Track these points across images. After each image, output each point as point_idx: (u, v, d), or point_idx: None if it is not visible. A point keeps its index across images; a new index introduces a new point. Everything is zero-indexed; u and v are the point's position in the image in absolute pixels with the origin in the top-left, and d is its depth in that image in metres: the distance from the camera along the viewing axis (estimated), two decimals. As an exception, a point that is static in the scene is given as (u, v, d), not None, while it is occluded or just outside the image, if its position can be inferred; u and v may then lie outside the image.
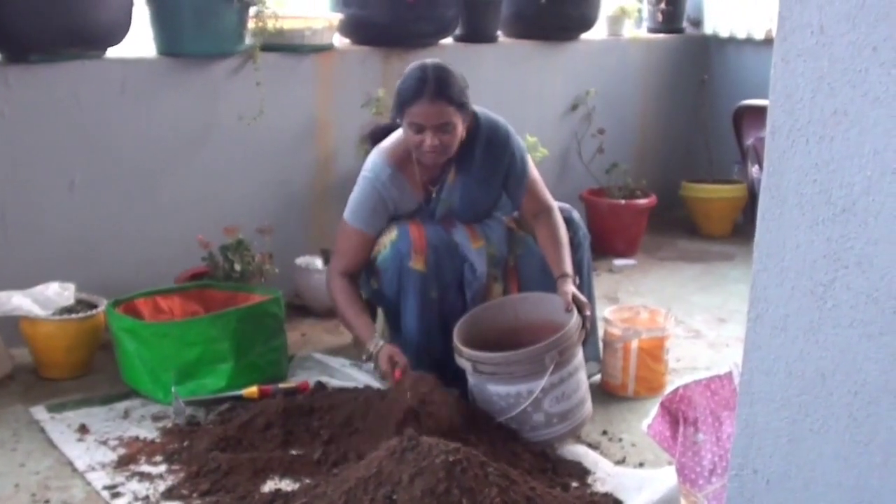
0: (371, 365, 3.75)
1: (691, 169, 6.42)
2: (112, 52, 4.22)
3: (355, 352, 4.03)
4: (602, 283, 4.99)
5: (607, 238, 5.53)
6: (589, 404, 3.36)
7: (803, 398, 1.30)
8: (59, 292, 3.79)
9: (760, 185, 1.36)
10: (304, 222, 4.77)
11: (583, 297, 3.42)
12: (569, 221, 3.63)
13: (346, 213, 3.53)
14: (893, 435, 1.24)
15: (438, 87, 3.30)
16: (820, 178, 1.26)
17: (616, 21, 6.15)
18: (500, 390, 3.21)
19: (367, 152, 3.67)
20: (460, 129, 3.38)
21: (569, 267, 3.47)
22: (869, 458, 1.26)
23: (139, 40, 4.37)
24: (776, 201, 1.32)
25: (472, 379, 3.29)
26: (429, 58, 3.52)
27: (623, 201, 5.66)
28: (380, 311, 3.79)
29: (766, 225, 1.33)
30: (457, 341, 3.30)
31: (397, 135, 3.52)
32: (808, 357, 1.29)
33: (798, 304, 1.30)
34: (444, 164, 3.49)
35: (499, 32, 5.58)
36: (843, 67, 1.24)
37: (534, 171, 3.62)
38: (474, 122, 3.50)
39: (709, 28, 6.60)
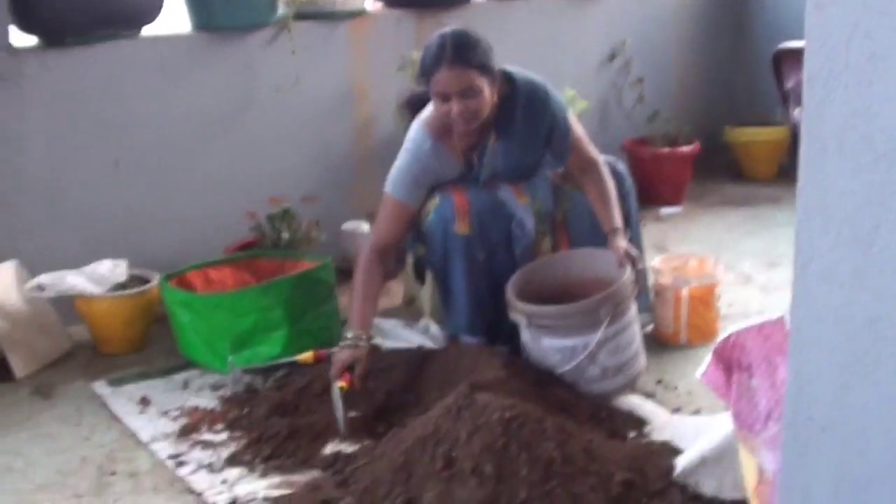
0: (424, 324, 3.79)
1: (733, 113, 6.36)
2: (147, 31, 4.27)
3: (406, 312, 4.07)
4: (649, 232, 4.98)
5: (652, 187, 5.50)
6: (643, 357, 3.37)
7: (853, 344, 1.31)
8: (111, 269, 3.86)
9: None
10: (348, 188, 4.80)
11: (635, 251, 3.42)
12: (614, 173, 3.61)
13: (388, 185, 3.51)
14: (944, 377, 1.24)
15: (456, 52, 3.24)
16: (859, 123, 1.26)
17: (650, -33, 6.09)
18: (555, 344, 3.23)
19: (406, 120, 3.67)
20: (487, 93, 3.31)
21: (619, 221, 3.47)
22: (921, 401, 1.27)
23: (173, 17, 4.41)
24: (816, 150, 1.32)
25: (526, 333, 3.31)
26: (459, 17, 3.50)
27: (666, 149, 5.63)
28: (428, 277, 3.81)
29: (807, 174, 1.33)
30: (511, 296, 3.32)
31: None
32: (855, 303, 1.30)
33: (844, 251, 1.30)
34: (484, 128, 3.44)
35: (532, -14, 5.54)
36: (880, 10, 1.23)
37: (577, 127, 3.59)
38: (511, 84, 3.45)
39: (746, -33, 6.52)
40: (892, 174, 1.24)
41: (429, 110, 3.47)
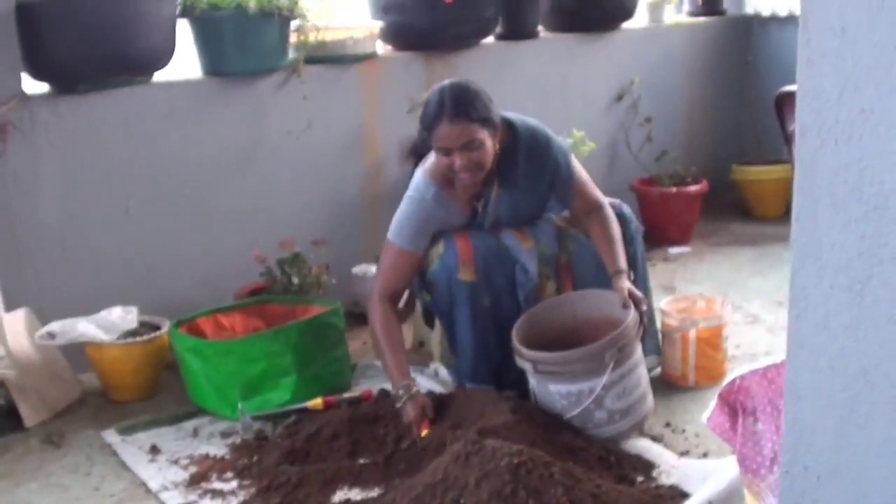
0: (434, 368, 3.80)
1: (741, 152, 6.39)
2: (158, 77, 4.30)
3: (416, 357, 4.07)
4: (658, 272, 4.99)
5: (660, 226, 5.52)
6: (650, 398, 3.37)
7: (847, 394, 1.32)
8: (122, 316, 3.87)
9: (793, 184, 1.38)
10: (358, 231, 4.82)
11: (639, 293, 3.42)
12: (620, 216, 3.62)
13: (391, 233, 3.51)
14: (938, 425, 1.25)
15: (456, 106, 3.27)
16: (850, 176, 1.28)
17: (656, 7, 6.13)
18: (561, 389, 3.24)
19: (410, 166, 3.69)
20: (489, 144, 3.33)
21: (623, 262, 3.48)
22: (916, 450, 1.28)
23: (184, 63, 4.45)
24: (810, 201, 1.34)
25: (532, 379, 3.32)
26: (468, 58, 3.51)
27: (674, 189, 5.65)
28: (437, 323, 3.82)
29: (801, 225, 1.35)
30: (516, 342, 3.33)
31: None
32: (849, 353, 1.31)
33: (837, 301, 1.32)
34: (487, 177, 3.46)
35: (539, 27, 5.58)
36: (868, 66, 1.26)
37: (580, 172, 3.61)
38: (512, 133, 3.47)
39: (750, 8, 6.56)
40: (883, 226, 1.25)
41: (432, 158, 3.49)
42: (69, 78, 4.04)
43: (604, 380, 3.16)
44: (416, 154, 3.68)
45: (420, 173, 3.52)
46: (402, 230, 3.49)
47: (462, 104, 3.28)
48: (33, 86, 4.08)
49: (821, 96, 1.31)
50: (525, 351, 3.27)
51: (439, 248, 3.48)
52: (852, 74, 1.28)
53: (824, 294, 1.33)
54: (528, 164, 3.49)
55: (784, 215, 5.96)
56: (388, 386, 3.68)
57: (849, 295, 1.30)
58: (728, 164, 6.18)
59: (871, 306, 1.28)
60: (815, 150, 1.32)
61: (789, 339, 1.37)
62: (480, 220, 3.54)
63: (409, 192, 3.52)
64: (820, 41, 1.30)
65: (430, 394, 3.54)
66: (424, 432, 3.21)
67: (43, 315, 3.88)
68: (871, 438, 1.30)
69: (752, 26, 6.56)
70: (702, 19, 6.44)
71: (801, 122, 1.33)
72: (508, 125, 3.47)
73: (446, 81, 3.40)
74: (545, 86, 5.39)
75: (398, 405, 3.34)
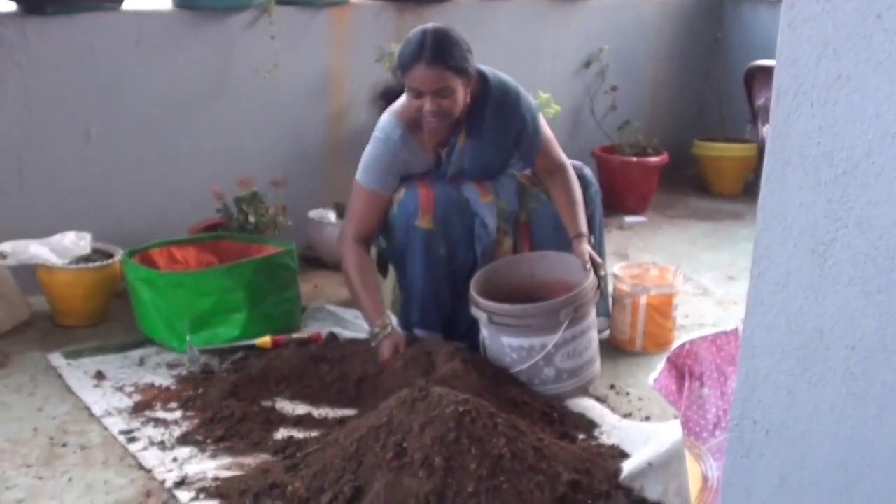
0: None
1: (703, 127, 6.43)
2: (128, 4, 4.25)
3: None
4: (612, 239, 5.03)
5: (618, 195, 5.56)
6: (598, 363, 3.40)
7: (802, 352, 1.35)
8: (75, 242, 3.85)
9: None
10: (318, 175, 4.81)
11: (598, 258, 3.46)
12: (581, 178, 3.65)
13: (359, 175, 3.52)
14: (888, 389, 1.28)
15: (435, 51, 3.26)
16: (823, 140, 1.30)
17: (631, -22, 6.14)
18: (513, 342, 3.26)
19: (380, 110, 3.68)
20: (461, 94, 3.34)
21: (584, 226, 3.50)
22: (864, 411, 1.30)
23: (155, -8, 4.40)
24: (780, 162, 1.35)
25: (485, 330, 3.34)
26: (441, 13, 3.52)
27: (634, 158, 5.68)
28: (391, 270, 3.83)
29: (770, 185, 1.37)
30: (473, 292, 3.35)
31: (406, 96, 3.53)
32: (807, 313, 1.34)
33: (799, 262, 1.34)
34: (454, 126, 3.47)
35: (514, -12, 5.58)
36: (848, 33, 1.27)
37: (546, 131, 3.63)
38: (484, 84, 3.48)
39: (724, -14, 6.59)
40: (850, 191, 1.28)
41: (401, 101, 3.49)
42: (38, -1, 3.98)
43: (556, 337, 3.19)
44: (387, 98, 3.68)
45: (387, 115, 3.52)
46: (369, 171, 3.50)
47: (441, 50, 3.28)
48: (1, 4, 4.02)
49: (799, 60, 1.32)
50: (482, 301, 3.29)
51: (400, 193, 3.48)
52: (832, 40, 1.29)
53: (787, 254, 1.35)
54: (496, 117, 3.50)
55: (742, 193, 6.03)
56: (336, 330, 3.71)
57: (811, 256, 1.32)
58: (690, 138, 6.23)
59: (832, 269, 1.30)
60: (790, 112, 1.33)
61: (749, 297, 1.40)
62: (444, 169, 3.54)
63: (376, 133, 3.52)
64: (803, 5, 1.31)
65: (355, 342, 3.57)
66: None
67: (-5, 235, 3.85)
68: (821, 397, 1.33)
69: (725, 5, 6.60)
70: (675, -7, 6.46)
71: (779, 84, 1.34)
72: (481, 76, 3.48)
73: (430, 24, 3.39)
74: (515, 47, 5.38)
75: (373, 343, 3.40)
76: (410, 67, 3.29)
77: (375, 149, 3.50)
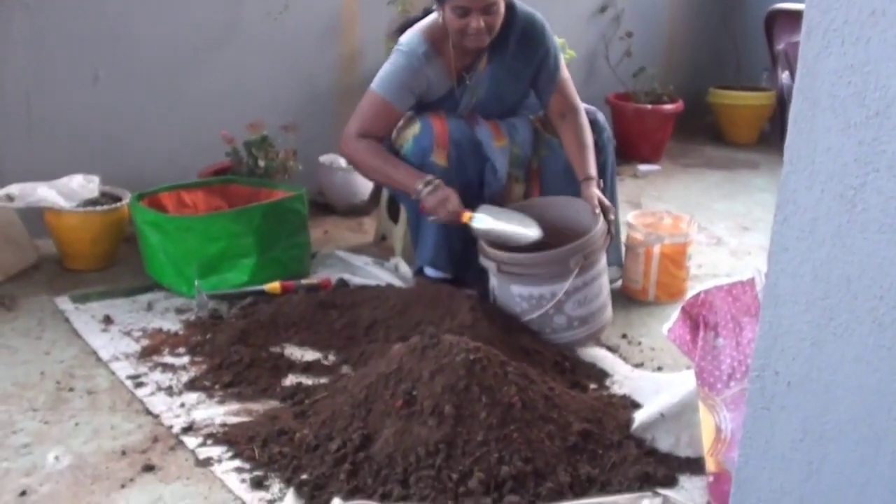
0: (394, 263, 3.78)
1: (719, 75, 6.36)
2: (138, -57, 4.18)
3: (377, 250, 4.05)
4: (626, 187, 4.98)
5: (632, 143, 5.50)
6: (609, 310, 3.37)
7: (828, 301, 1.30)
8: (83, 184, 3.81)
9: (791, 91, 1.34)
10: (329, 120, 4.76)
11: (607, 202, 3.41)
12: (594, 123, 3.60)
13: (375, 84, 3.46)
14: (918, 340, 1.24)
15: None
16: (854, 80, 1.25)
17: (648, -79, 6.04)
18: (523, 291, 3.22)
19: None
20: (503, 10, 3.34)
21: (594, 170, 3.45)
22: (891, 363, 1.26)
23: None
24: (809, 103, 1.30)
25: (495, 279, 3.30)
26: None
27: (649, 106, 5.62)
28: (402, 216, 3.78)
29: (797, 127, 1.32)
30: (482, 242, 3.30)
31: (432, 18, 3.48)
32: (834, 261, 1.29)
33: (827, 207, 1.29)
34: (479, 50, 3.45)
35: (529, -69, 5.49)
36: (883, -33, 1.22)
37: (565, 71, 3.59)
38: (511, 12, 3.45)
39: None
40: (883, 133, 1.22)
41: (426, 21, 3.46)
42: (45, -64, 3.92)
43: (567, 285, 3.15)
44: (403, 34, 3.61)
45: (412, 32, 3.48)
46: (389, 82, 3.45)
47: None
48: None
49: (830, -6, 1.27)
50: (490, 250, 3.25)
51: (415, 128, 3.44)
52: (866, -27, 1.23)
53: (814, 199, 1.30)
54: (518, 46, 3.48)
55: (757, 143, 5.98)
56: (346, 276, 3.68)
57: (840, 202, 1.27)
58: (705, 86, 6.16)
59: (861, 214, 1.25)
60: (820, 50, 1.28)
61: (772, 244, 1.34)
62: (461, 95, 3.51)
63: (399, 47, 3.48)
64: (836, -62, 1.25)
65: (392, 286, 3.54)
66: (468, 215, 3.28)
67: (2, 179, 3.81)
68: (846, 348, 1.29)
69: (744, -52, 6.49)
70: (693, -62, 6.36)
71: (809, 20, 1.29)
72: (508, 5, 3.44)
73: None
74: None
75: (425, 195, 3.34)
76: None
77: (397, 62, 3.45)
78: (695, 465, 2.51)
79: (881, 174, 1.22)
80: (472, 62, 3.49)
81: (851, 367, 1.29)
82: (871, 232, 1.24)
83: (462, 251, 3.46)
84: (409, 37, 3.47)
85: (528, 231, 3.26)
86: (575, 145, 3.49)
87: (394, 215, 3.89)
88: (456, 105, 3.50)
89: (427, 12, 3.52)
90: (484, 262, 3.29)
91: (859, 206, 1.25)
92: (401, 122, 3.51)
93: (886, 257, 1.24)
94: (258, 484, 2.46)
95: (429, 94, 3.49)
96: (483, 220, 3.27)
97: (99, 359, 3.14)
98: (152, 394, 2.92)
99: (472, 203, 3.39)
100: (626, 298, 3.72)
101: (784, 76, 5.63)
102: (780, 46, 5.65)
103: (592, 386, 3.01)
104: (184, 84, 4.36)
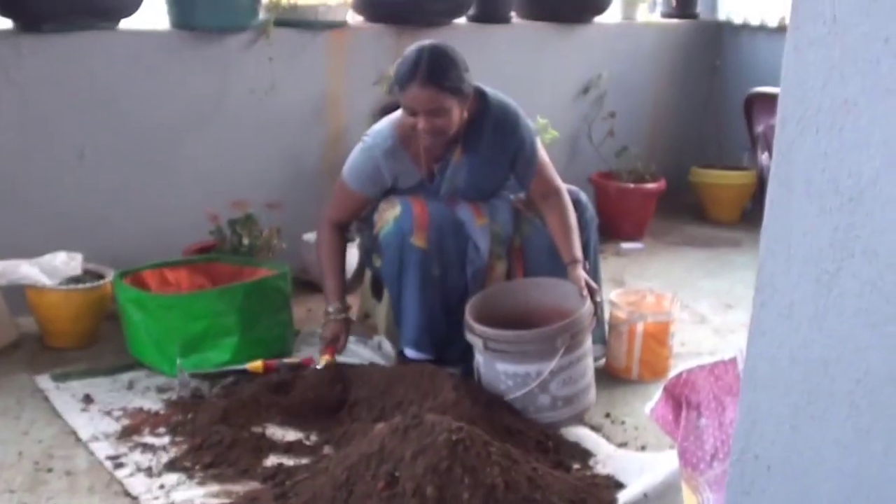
0: (377, 341, 3.77)
1: (701, 154, 6.41)
2: (125, 24, 4.22)
3: (360, 328, 4.04)
4: (609, 266, 4.99)
5: (615, 221, 5.52)
6: (594, 391, 3.36)
7: (806, 385, 1.31)
8: (66, 262, 3.81)
9: (769, 172, 1.36)
10: (313, 198, 4.76)
11: (594, 284, 3.42)
12: (576, 203, 3.62)
13: (345, 172, 3.58)
14: (895, 423, 1.24)
15: (430, 72, 3.26)
16: (828, 166, 1.27)
17: (630, 5, 6.12)
18: (508, 369, 3.22)
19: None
20: (456, 113, 3.34)
21: (579, 252, 3.47)
22: (870, 447, 1.26)
23: (152, 12, 4.37)
24: (784, 189, 1.32)
25: (480, 356, 3.30)
26: (439, 37, 3.51)
27: (632, 185, 5.65)
28: (385, 294, 3.79)
29: (773, 212, 1.33)
30: (469, 317, 3.31)
31: None
32: (812, 344, 1.30)
33: (803, 291, 1.30)
34: (450, 142, 3.47)
35: (512, 13, 5.56)
36: (855, 58, 1.24)
37: (543, 154, 3.60)
38: (483, 103, 3.47)
39: (722, 14, 6.57)
40: (857, 219, 1.24)
41: (398, 114, 3.48)
42: (34, 16, 3.96)
43: (552, 364, 3.15)
44: (386, 115, 3.65)
45: (385, 122, 3.54)
46: (353, 173, 3.57)
47: (436, 71, 3.28)
48: (-3, 22, 4.00)
49: (805, 84, 1.29)
50: (478, 326, 3.25)
51: (395, 210, 3.46)
52: (839, 64, 1.26)
53: (791, 283, 1.31)
54: (493, 135, 3.50)
55: (739, 221, 6.00)
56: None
57: (816, 286, 1.28)
58: (687, 165, 6.20)
59: (837, 298, 1.26)
60: (795, 137, 1.30)
61: (751, 328, 1.35)
62: (437, 185, 3.54)
63: (365, 138, 3.55)
64: (809, 28, 1.28)
65: (375, 365, 3.54)
66: (325, 358, 3.52)
67: (-15, 255, 3.81)
68: (825, 432, 1.29)
69: (724, 32, 6.57)
70: (674, 21, 6.45)
71: (783, 109, 1.31)
72: (480, 94, 3.48)
73: (427, 42, 3.39)
74: (513, 72, 5.35)
75: (322, 324, 3.66)
76: (405, 86, 3.30)
77: (360, 155, 3.55)
78: (678, 548, 2.50)
79: (856, 259, 1.24)
80: (443, 153, 3.51)
81: (830, 451, 1.29)
82: (847, 316, 1.26)
83: (443, 332, 3.46)
84: (378, 128, 3.53)
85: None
86: (560, 227, 3.51)
87: (377, 293, 3.89)
88: (435, 192, 3.53)
89: None
90: (470, 338, 3.29)
91: (835, 290, 1.27)
92: (382, 204, 3.54)
93: (863, 341, 1.25)
94: (237, 567, 2.43)
95: (399, 184, 3.53)
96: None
97: (78, 439, 3.12)
98: (131, 475, 2.89)
99: (454, 285, 3.44)
100: (609, 377, 3.71)
101: (764, 157, 5.69)
102: (759, 129, 5.72)
103: (576, 466, 3.00)
104: (169, 162, 4.38)
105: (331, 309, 3.60)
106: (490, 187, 3.59)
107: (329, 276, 3.64)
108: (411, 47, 3.38)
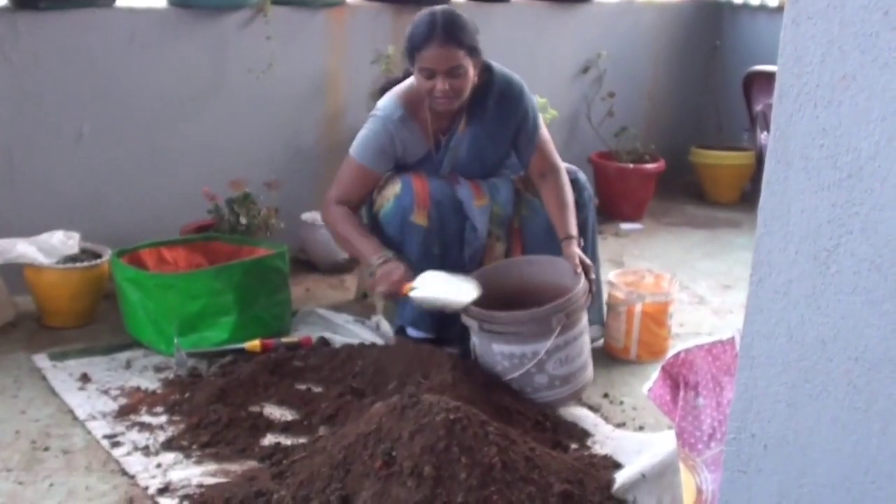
0: (375, 321, 3.76)
1: (701, 135, 6.40)
2: (122, 1, 4.20)
3: (358, 308, 4.03)
4: (608, 246, 4.98)
5: (614, 202, 5.51)
6: (591, 369, 3.36)
7: (803, 363, 1.30)
8: (63, 241, 3.80)
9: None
10: (311, 177, 4.76)
11: (588, 261, 3.42)
12: (574, 182, 3.61)
13: (353, 150, 3.52)
14: (892, 402, 1.23)
15: (448, 30, 3.30)
16: (827, 142, 1.25)
17: (630, -17, 6.10)
18: (504, 350, 3.21)
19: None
20: (472, 74, 3.38)
21: (574, 229, 3.46)
22: (867, 425, 1.26)
23: (150, -11, 4.35)
24: (782, 165, 1.31)
25: (476, 338, 3.29)
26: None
27: (631, 165, 5.64)
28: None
29: (771, 189, 1.32)
30: None
31: (410, 81, 3.51)
32: (809, 322, 1.29)
33: (801, 269, 1.29)
34: (456, 113, 3.48)
35: (511, -8, 5.54)
36: (854, 31, 1.23)
37: (544, 131, 3.61)
38: (488, 74, 3.49)
39: (724, -7, 6.56)
40: (855, 195, 1.23)
41: (404, 85, 3.49)
42: (30, -7, 3.93)
43: (548, 344, 3.15)
44: (385, 92, 3.63)
45: (389, 96, 3.53)
46: (365, 148, 3.50)
47: (454, 29, 3.32)
48: (-7, -2, 3.97)
49: (803, 59, 1.28)
50: (473, 308, 3.24)
51: (396, 188, 3.45)
52: (837, 39, 1.24)
53: (788, 260, 1.30)
54: (497, 108, 3.51)
55: (738, 201, 6.00)
56: (327, 334, 3.66)
57: (813, 263, 1.27)
58: (687, 145, 6.19)
59: (835, 276, 1.25)
60: (792, 113, 1.28)
61: (748, 305, 1.34)
62: (441, 157, 3.53)
63: (375, 112, 3.52)
64: (808, 1, 1.26)
65: (374, 345, 3.53)
66: (407, 287, 3.28)
67: (-18, 234, 3.79)
68: (822, 410, 1.28)
69: (724, 12, 6.55)
70: (674, 0, 6.41)
71: (781, 84, 1.30)
72: (487, 68, 3.50)
73: (437, 6, 3.42)
74: (513, 50, 5.32)
75: (369, 275, 3.45)
76: (422, 47, 3.31)
77: (372, 127, 3.50)
78: (676, 527, 2.49)
79: (854, 236, 1.23)
80: (449, 125, 3.52)
81: (827, 430, 1.28)
82: (845, 294, 1.25)
83: (442, 311, 3.45)
84: (386, 101, 3.51)
85: (462, 297, 3.26)
86: (555, 205, 3.50)
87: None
88: (436, 167, 3.52)
89: (407, 74, 3.55)
90: (466, 320, 3.28)
91: (833, 267, 1.25)
92: (382, 182, 3.53)
93: (861, 319, 1.24)
94: (234, 546, 2.43)
95: (407, 157, 3.52)
96: (421, 290, 3.28)
97: (76, 418, 3.11)
98: (128, 454, 2.89)
99: (453, 264, 3.41)
100: (607, 357, 3.71)
101: (763, 136, 5.67)
102: (758, 107, 5.69)
103: (574, 446, 3.00)
104: (167, 141, 4.36)
105: (374, 259, 3.40)
106: (491, 161, 3.58)
107: (359, 241, 3.47)
108: (421, 13, 3.40)
